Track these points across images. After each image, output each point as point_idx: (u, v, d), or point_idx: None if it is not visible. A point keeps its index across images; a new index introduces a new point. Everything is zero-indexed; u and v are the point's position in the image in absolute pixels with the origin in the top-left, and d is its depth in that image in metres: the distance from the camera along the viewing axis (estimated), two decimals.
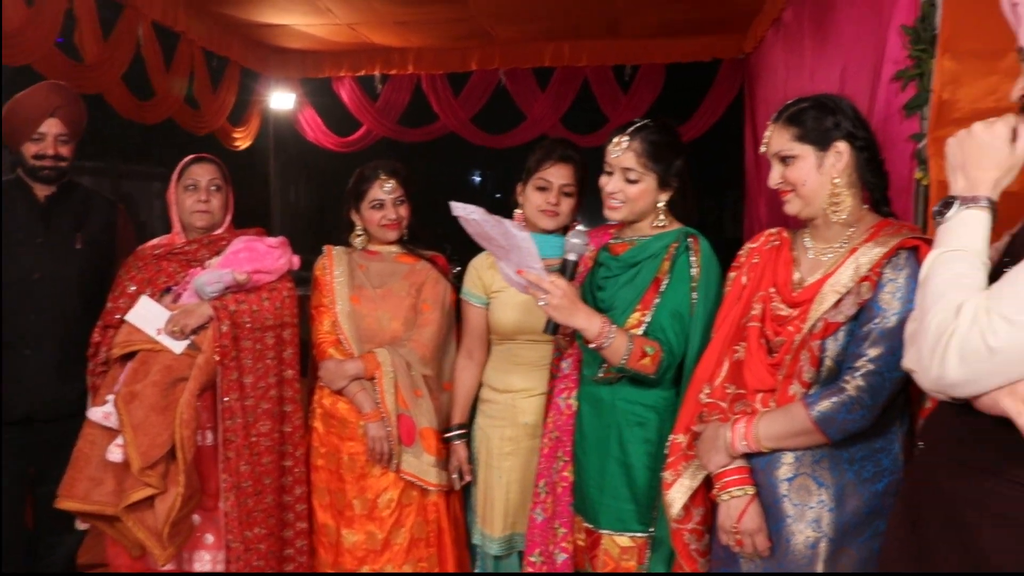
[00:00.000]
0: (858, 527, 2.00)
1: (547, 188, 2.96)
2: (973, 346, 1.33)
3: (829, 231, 2.15)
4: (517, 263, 2.37)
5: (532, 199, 2.97)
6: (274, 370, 3.07)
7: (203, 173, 3.17)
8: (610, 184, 2.50)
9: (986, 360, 1.32)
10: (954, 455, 1.51)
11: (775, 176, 2.15)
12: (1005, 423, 1.36)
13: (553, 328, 2.46)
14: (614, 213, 2.53)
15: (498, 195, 15.75)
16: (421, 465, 3.02)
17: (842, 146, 2.10)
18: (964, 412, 1.45)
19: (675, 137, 2.58)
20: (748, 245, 2.35)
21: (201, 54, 6.62)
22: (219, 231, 3.21)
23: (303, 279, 3.29)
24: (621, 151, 2.49)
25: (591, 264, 2.65)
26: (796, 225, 2.29)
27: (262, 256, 3.12)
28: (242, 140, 8.04)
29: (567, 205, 2.97)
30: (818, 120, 2.11)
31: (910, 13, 3.05)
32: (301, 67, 8.18)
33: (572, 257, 2.43)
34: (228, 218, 3.25)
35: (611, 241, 2.65)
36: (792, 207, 2.15)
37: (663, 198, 2.54)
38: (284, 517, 3.10)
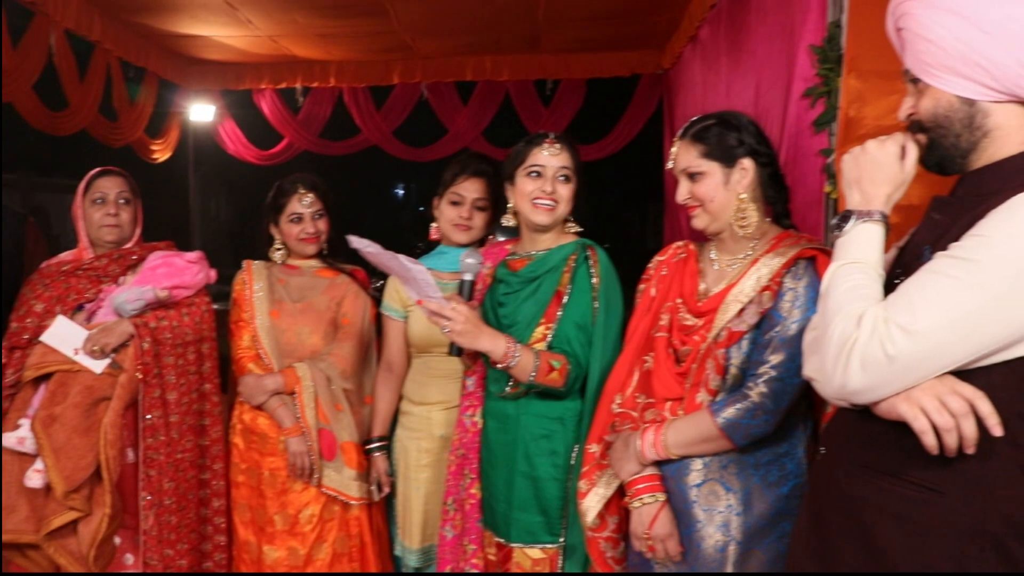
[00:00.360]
0: (765, 529, 2.06)
1: (460, 202, 2.99)
2: (873, 355, 1.38)
3: (734, 243, 2.21)
4: (416, 294, 2.40)
5: (446, 213, 3.01)
6: (195, 385, 3.05)
7: (111, 186, 3.10)
8: (545, 186, 2.53)
9: (885, 368, 1.38)
10: (854, 458, 1.56)
11: (683, 192, 2.20)
12: (902, 427, 1.41)
13: (457, 350, 2.48)
14: (543, 216, 2.54)
15: (421, 208, 15.71)
16: (343, 480, 3.01)
17: (747, 163, 2.17)
18: (863, 417, 1.51)
19: None
20: (657, 258, 2.41)
21: (118, 64, 6.49)
22: (128, 245, 3.16)
23: (223, 293, 3.26)
24: (559, 150, 2.54)
25: (489, 281, 2.67)
26: (702, 238, 2.34)
27: (181, 271, 3.09)
28: (160, 152, 7.91)
29: (480, 219, 3.00)
30: (723, 137, 2.17)
31: (818, 34, 3.16)
32: (221, 79, 8.08)
33: (468, 277, 2.44)
34: (137, 232, 3.19)
35: (508, 257, 2.67)
36: (700, 222, 2.20)
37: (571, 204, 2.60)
38: (203, 530, 3.08)
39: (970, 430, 1.35)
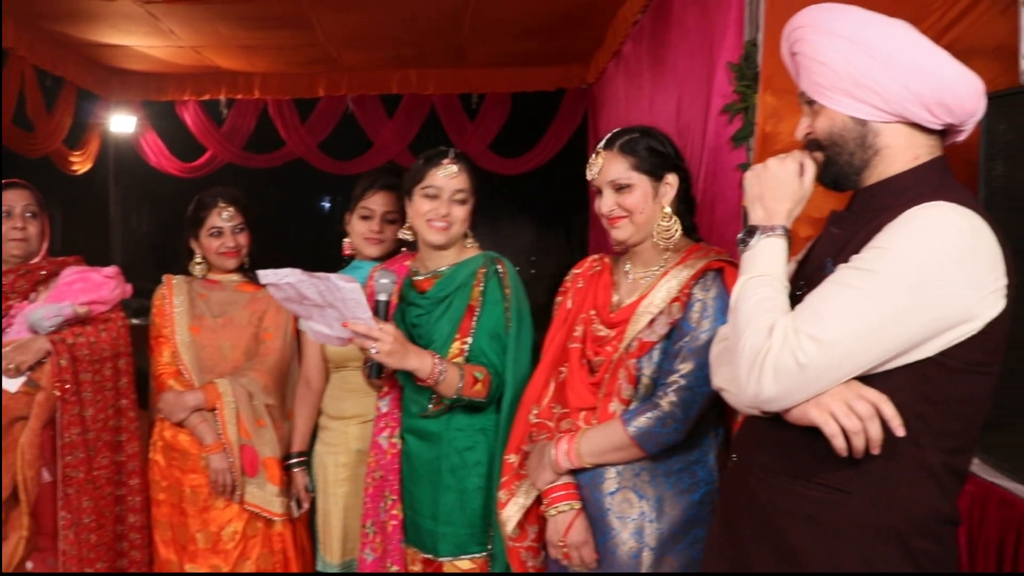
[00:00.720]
0: (677, 536, 2.10)
1: (370, 216, 3.00)
2: (785, 364, 1.43)
3: (649, 255, 2.26)
4: (340, 317, 2.33)
5: (357, 227, 3.02)
6: (112, 401, 3.00)
7: (16, 199, 3.02)
8: (440, 207, 2.53)
9: (797, 376, 1.43)
10: (765, 464, 1.61)
11: (609, 203, 2.22)
12: (810, 432, 1.46)
13: (377, 373, 2.48)
14: (438, 236, 2.54)
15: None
16: (265, 496, 2.99)
17: (671, 177, 2.22)
18: (772, 424, 1.55)
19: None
20: (573, 271, 2.45)
21: (33, 72, 6.36)
22: (35, 260, 3.08)
23: (145, 308, 3.21)
24: (455, 172, 2.53)
25: (396, 302, 2.66)
26: (612, 251, 2.39)
27: (98, 286, 3.04)
28: (80, 164, 7.77)
29: (391, 232, 3.00)
30: (652, 151, 2.22)
31: (735, 52, 3.25)
32: (143, 89, 7.97)
33: (383, 297, 2.43)
34: (45, 246, 3.12)
35: (412, 277, 2.67)
36: (623, 233, 2.23)
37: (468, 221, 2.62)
38: (120, 547, 3.03)
39: (876, 432, 1.41)
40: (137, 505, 3.05)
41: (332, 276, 2.27)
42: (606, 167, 2.23)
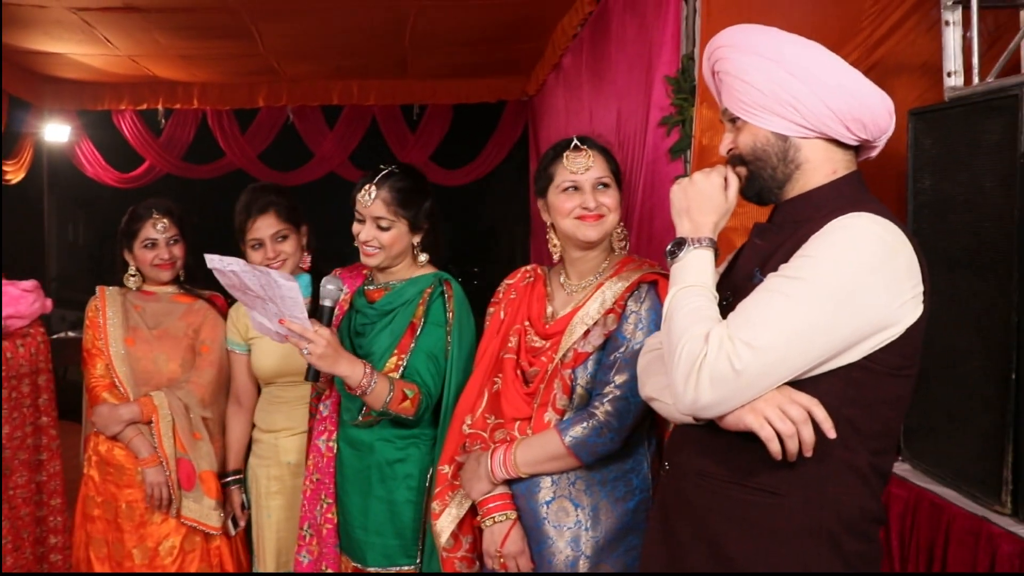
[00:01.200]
0: (613, 544, 2.13)
1: (261, 244, 2.92)
2: (721, 370, 1.45)
3: (589, 264, 2.28)
4: (278, 313, 2.33)
5: (252, 257, 2.91)
6: (30, 418, 2.92)
7: None
8: (364, 232, 2.51)
9: (733, 382, 1.45)
10: (699, 470, 1.64)
11: (594, 200, 2.20)
12: (743, 436, 1.49)
13: (314, 376, 2.45)
14: (371, 260, 2.53)
15: None
16: (202, 509, 2.95)
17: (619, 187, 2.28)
18: (704, 430, 1.59)
19: (421, 181, 2.62)
20: (506, 281, 2.46)
21: None
22: None
23: (81, 321, 3.16)
24: (371, 200, 2.49)
25: (346, 307, 2.67)
26: (550, 262, 2.41)
27: (16, 300, 2.98)
28: (13, 173, 7.62)
29: (288, 246, 2.95)
30: (614, 159, 2.28)
31: (672, 65, 3.31)
32: (78, 98, 7.85)
33: (328, 303, 2.42)
34: None
35: (366, 286, 2.67)
36: (598, 231, 2.22)
37: (416, 240, 2.58)
38: (40, 568, 2.95)
39: (809, 435, 1.44)
40: (59, 526, 2.98)
41: (273, 272, 2.27)
42: (595, 164, 2.23)
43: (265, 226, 2.91)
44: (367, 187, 2.51)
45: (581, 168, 2.21)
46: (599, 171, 2.22)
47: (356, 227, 2.54)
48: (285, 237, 2.94)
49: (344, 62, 7.08)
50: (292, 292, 2.26)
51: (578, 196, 2.21)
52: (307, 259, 3.04)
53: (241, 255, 2.73)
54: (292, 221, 2.96)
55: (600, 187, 2.22)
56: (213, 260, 2.30)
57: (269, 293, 2.30)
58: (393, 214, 2.50)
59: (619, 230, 2.27)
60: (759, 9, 2.83)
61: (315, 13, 5.58)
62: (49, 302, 3.05)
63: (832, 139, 1.61)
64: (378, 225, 2.50)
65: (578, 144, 2.24)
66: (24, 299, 2.98)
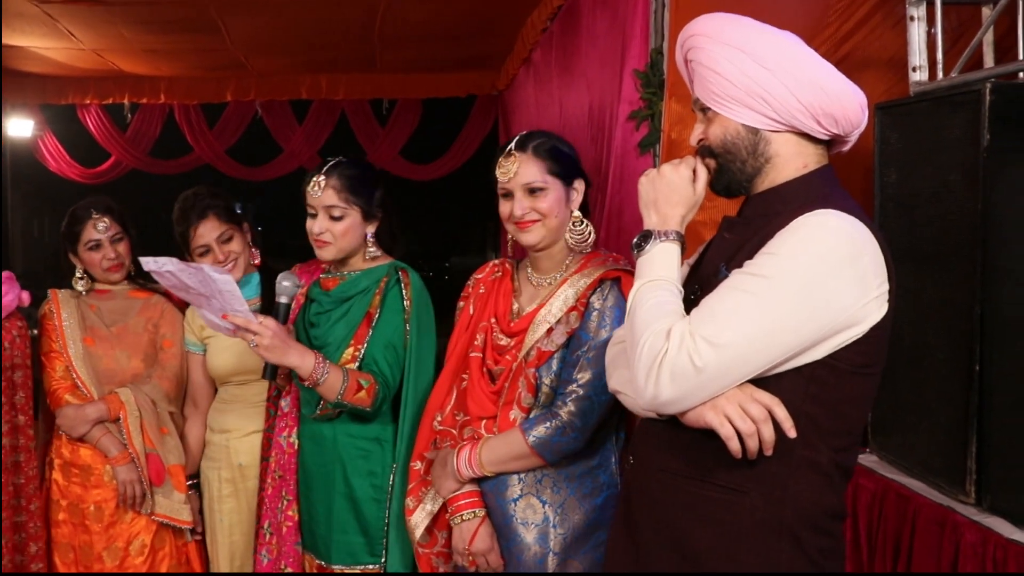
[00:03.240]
0: (581, 540, 2.13)
1: (208, 250, 2.87)
2: (682, 367, 1.45)
3: (549, 262, 2.27)
4: (220, 308, 2.32)
5: (205, 263, 2.81)
6: (6, 417, 2.86)
7: None
8: (316, 225, 2.49)
9: (693, 379, 1.45)
10: (663, 466, 1.64)
11: (523, 206, 2.20)
12: (707, 433, 1.49)
13: (272, 373, 2.43)
14: (325, 253, 2.51)
15: (259, 228, 15.42)
16: (172, 504, 2.93)
17: (579, 184, 2.25)
18: (669, 426, 1.58)
19: (370, 169, 2.61)
20: (475, 275, 2.44)
21: None
22: None
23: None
24: (320, 190, 2.47)
25: (303, 300, 2.65)
26: (519, 254, 2.39)
27: None
28: None
29: (236, 245, 2.92)
30: (564, 156, 2.24)
31: (641, 59, 3.31)
32: (41, 92, 7.75)
33: (283, 300, 2.40)
34: None
35: (322, 276, 2.65)
36: (534, 236, 2.21)
37: (370, 230, 2.55)
38: None
39: (769, 434, 1.45)
40: (36, 532, 2.92)
41: (205, 266, 2.26)
42: (521, 169, 2.19)
43: (208, 230, 2.87)
44: (316, 178, 2.49)
45: (508, 174, 2.19)
46: (528, 176, 2.18)
47: (309, 222, 2.51)
48: (230, 238, 2.91)
49: (313, 56, 7.04)
50: (228, 285, 2.26)
51: (510, 203, 2.21)
52: (256, 255, 3.01)
53: None
54: (234, 220, 2.93)
55: (533, 192, 2.19)
56: (148, 263, 2.29)
57: (207, 289, 2.28)
58: (345, 202, 2.48)
59: (582, 226, 2.23)
60: (727, 5, 2.83)
61: (283, 7, 5.54)
62: (26, 295, 2.95)
63: (803, 133, 1.60)
64: (330, 215, 2.48)
65: (511, 149, 2.22)
66: None
